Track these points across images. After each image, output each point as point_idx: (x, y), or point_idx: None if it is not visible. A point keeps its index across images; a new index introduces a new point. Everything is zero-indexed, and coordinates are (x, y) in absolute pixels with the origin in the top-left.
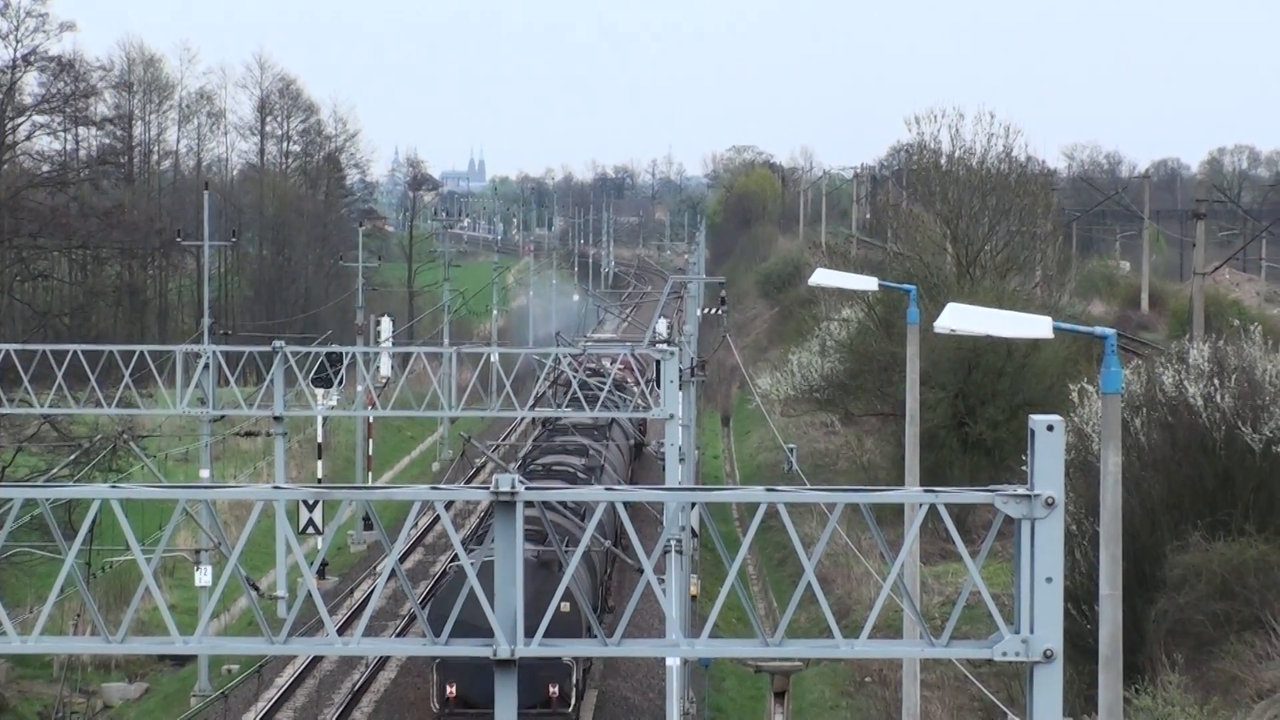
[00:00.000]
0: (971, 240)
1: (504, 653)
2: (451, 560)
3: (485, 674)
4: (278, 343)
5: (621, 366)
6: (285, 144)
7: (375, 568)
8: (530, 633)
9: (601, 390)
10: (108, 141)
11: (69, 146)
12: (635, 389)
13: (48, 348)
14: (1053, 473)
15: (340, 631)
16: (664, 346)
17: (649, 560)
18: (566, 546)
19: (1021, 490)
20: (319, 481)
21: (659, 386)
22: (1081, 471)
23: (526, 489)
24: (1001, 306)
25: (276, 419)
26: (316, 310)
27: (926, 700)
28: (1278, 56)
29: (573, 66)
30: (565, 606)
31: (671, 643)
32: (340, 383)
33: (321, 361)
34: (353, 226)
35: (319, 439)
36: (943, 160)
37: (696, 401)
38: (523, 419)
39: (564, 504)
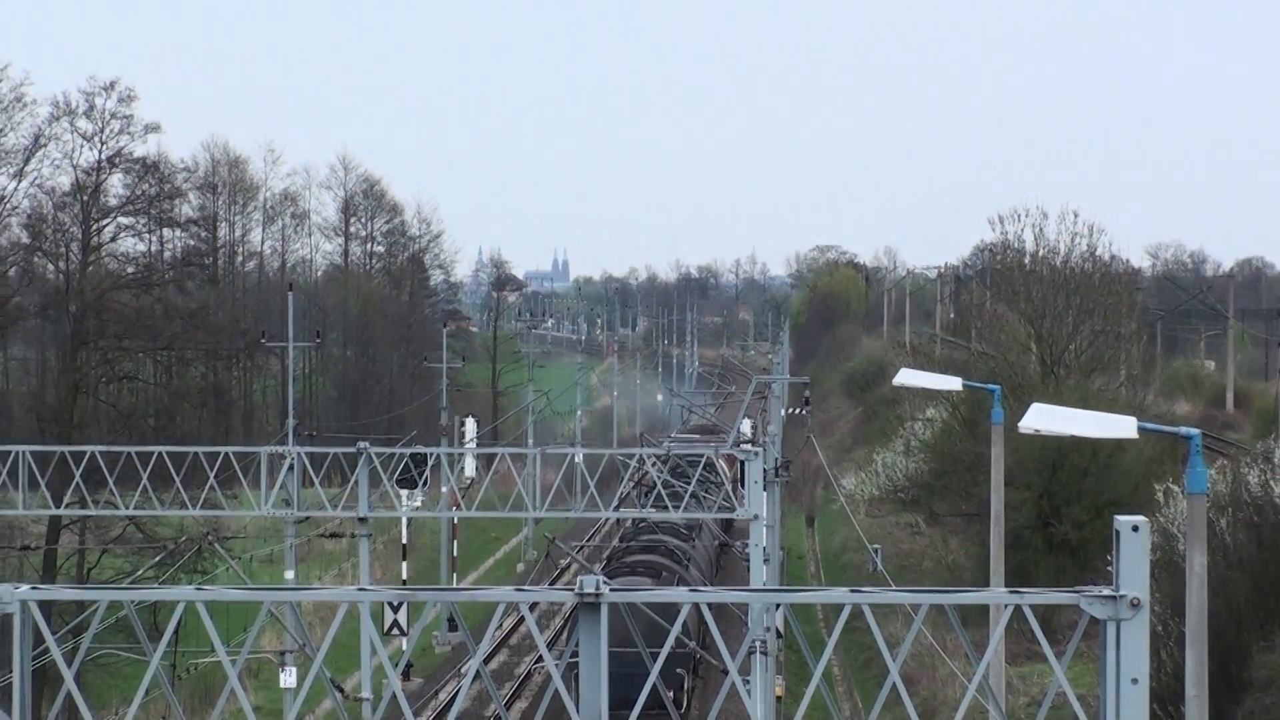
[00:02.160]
0: (1056, 339)
1: None
2: (536, 661)
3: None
4: (362, 444)
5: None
6: (369, 244)
7: (460, 669)
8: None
9: (687, 490)
10: (192, 243)
11: (154, 248)
12: (728, 472)
13: (133, 449)
14: (1138, 573)
15: None
16: (748, 447)
17: (734, 661)
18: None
19: (1107, 591)
20: (404, 582)
21: (744, 487)
22: (1167, 571)
23: (611, 590)
24: (1086, 406)
25: (361, 520)
26: (401, 411)
27: None
28: None
29: (656, 167)
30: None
31: None
32: (425, 484)
33: (406, 462)
34: (437, 327)
35: (403, 540)
36: (1026, 259)
37: (781, 502)
38: (607, 520)
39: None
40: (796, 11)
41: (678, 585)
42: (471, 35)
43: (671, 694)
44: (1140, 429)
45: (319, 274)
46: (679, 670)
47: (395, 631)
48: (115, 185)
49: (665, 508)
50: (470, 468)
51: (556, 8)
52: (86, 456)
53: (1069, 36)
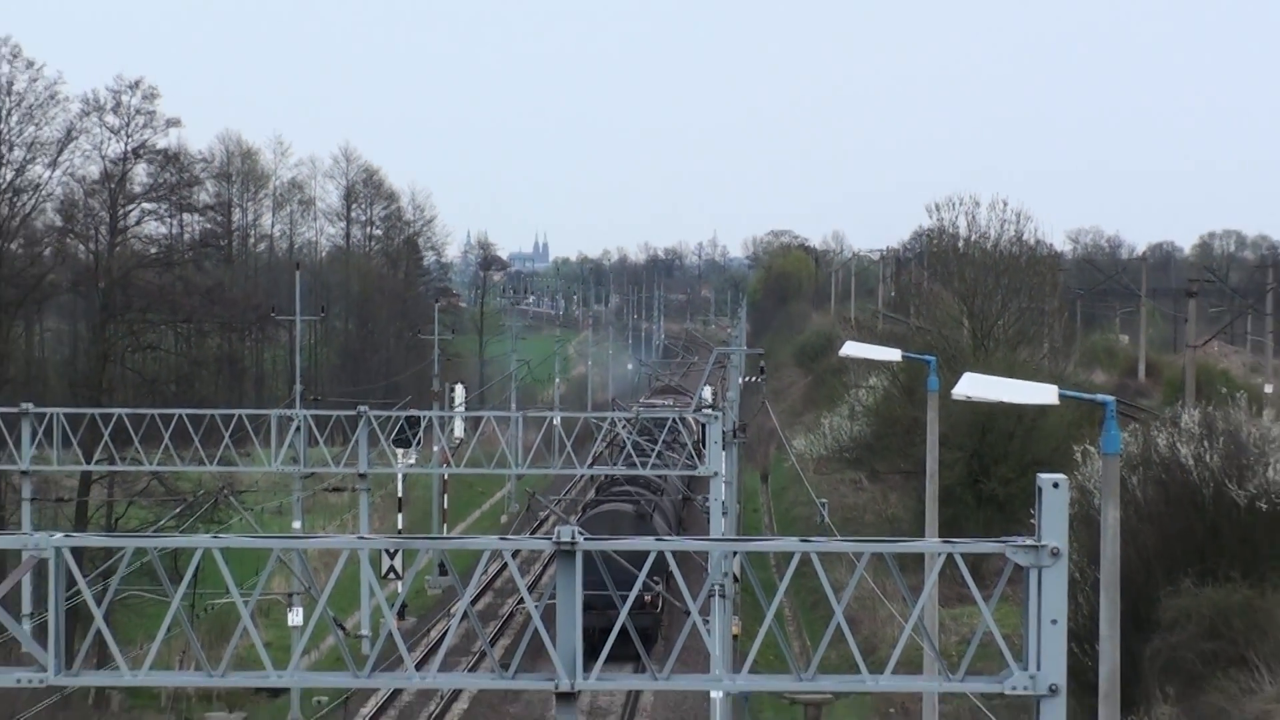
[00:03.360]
0: (986, 315)
1: (564, 686)
2: (518, 603)
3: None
4: (362, 407)
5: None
6: (369, 228)
7: (449, 609)
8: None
9: (654, 449)
10: (209, 226)
11: (174, 231)
12: (694, 426)
13: (156, 412)
14: (1058, 525)
15: (418, 667)
16: (709, 411)
17: (695, 603)
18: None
19: (1030, 541)
20: (399, 532)
21: (705, 447)
22: (1084, 524)
23: (585, 540)
24: (1012, 375)
25: (361, 476)
26: (397, 378)
27: None
28: (1263, 149)
29: (628, 157)
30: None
31: (715, 677)
32: (418, 443)
33: (401, 424)
34: (429, 303)
35: (399, 494)
36: (960, 243)
37: (738, 460)
38: (582, 476)
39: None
40: (756, 16)
41: (655, 512)
42: (463, 38)
43: (649, 597)
44: (1061, 396)
45: (323, 255)
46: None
47: (391, 576)
48: (139, 174)
49: (634, 465)
50: (459, 429)
51: (542, 15)
52: (114, 418)
53: (1001, 38)
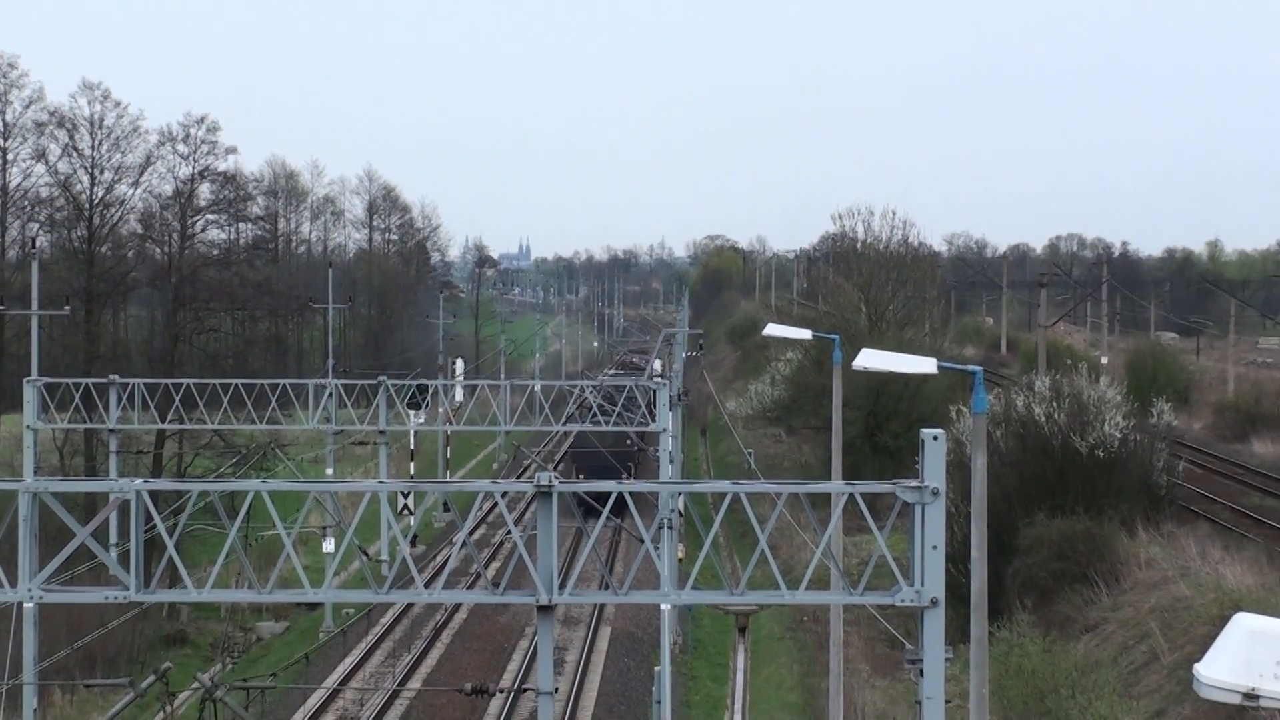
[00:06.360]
0: (879, 303)
1: (544, 600)
2: (506, 534)
3: (596, 469)
4: (381, 377)
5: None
6: (387, 234)
7: (451, 539)
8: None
9: (614, 409)
10: (260, 233)
11: (232, 237)
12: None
13: (216, 381)
14: (937, 470)
15: (426, 585)
16: (659, 379)
17: (648, 533)
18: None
19: (915, 483)
20: (411, 477)
21: (655, 408)
22: (958, 469)
23: (560, 484)
24: (900, 350)
25: (380, 432)
26: (409, 353)
27: (847, 634)
28: (1099, 167)
29: (593, 173)
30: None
31: (664, 593)
32: (426, 406)
33: (413, 391)
34: (436, 294)
35: (411, 446)
36: (859, 245)
37: (682, 419)
38: (558, 432)
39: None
40: (695, 54)
41: (631, 446)
42: (462, 81)
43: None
44: (939, 367)
45: (351, 256)
46: (629, 463)
47: (405, 512)
48: (204, 191)
49: (599, 422)
50: (459, 395)
51: (526, 57)
52: (183, 387)
53: (894, 73)
